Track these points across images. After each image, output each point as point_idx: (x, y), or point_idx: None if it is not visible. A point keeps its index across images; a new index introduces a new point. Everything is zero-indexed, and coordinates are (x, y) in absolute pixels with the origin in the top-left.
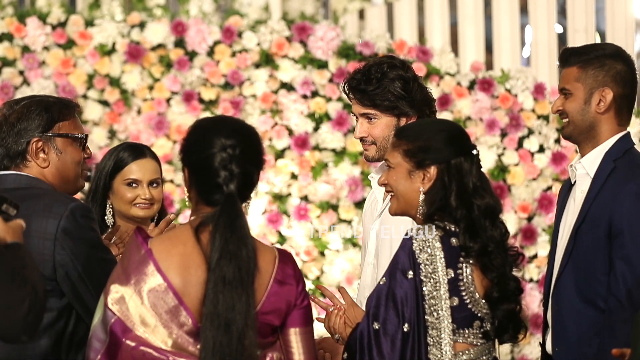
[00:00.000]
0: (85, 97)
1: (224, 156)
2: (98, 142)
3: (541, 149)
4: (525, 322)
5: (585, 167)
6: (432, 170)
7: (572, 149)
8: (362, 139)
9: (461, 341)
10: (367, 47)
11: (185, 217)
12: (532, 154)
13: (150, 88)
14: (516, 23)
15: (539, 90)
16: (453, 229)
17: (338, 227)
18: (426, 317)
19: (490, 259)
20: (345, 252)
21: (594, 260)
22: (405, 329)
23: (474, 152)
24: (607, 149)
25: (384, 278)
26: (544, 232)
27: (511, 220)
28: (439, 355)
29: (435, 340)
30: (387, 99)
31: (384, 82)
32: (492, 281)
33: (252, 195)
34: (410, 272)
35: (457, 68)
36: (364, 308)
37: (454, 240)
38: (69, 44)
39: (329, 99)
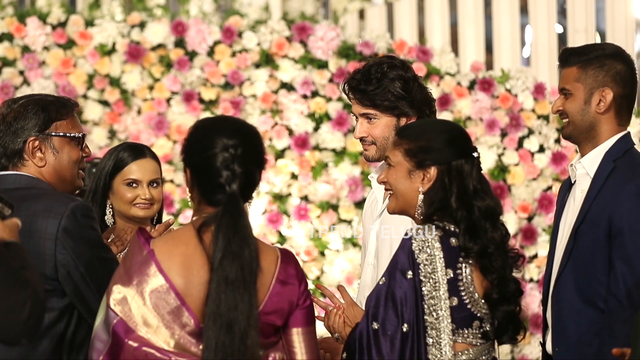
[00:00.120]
0: (85, 97)
1: (226, 156)
2: (98, 142)
3: (541, 149)
4: (524, 323)
5: (585, 167)
6: (432, 171)
7: (572, 149)
8: (362, 139)
9: (460, 341)
10: (367, 47)
11: (185, 217)
12: (532, 154)
13: (151, 88)
14: (516, 23)
15: (539, 90)
16: (453, 229)
17: (338, 227)
18: (425, 317)
19: (491, 261)
20: (345, 252)
21: (593, 260)
22: (404, 329)
23: (475, 154)
24: (607, 149)
25: (384, 278)
26: (544, 232)
27: (511, 220)
28: (439, 355)
29: (434, 340)
30: (387, 99)
31: (384, 82)
32: (492, 283)
33: (254, 195)
34: (410, 272)
35: (457, 68)
36: (363, 308)
37: (454, 241)
38: (69, 44)
39: (329, 99)
